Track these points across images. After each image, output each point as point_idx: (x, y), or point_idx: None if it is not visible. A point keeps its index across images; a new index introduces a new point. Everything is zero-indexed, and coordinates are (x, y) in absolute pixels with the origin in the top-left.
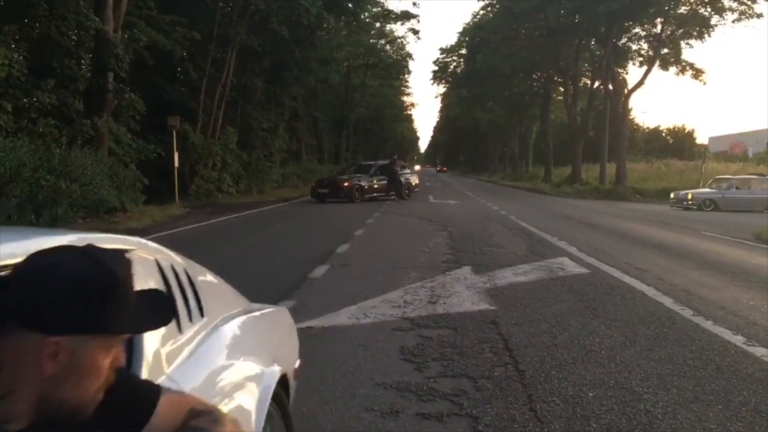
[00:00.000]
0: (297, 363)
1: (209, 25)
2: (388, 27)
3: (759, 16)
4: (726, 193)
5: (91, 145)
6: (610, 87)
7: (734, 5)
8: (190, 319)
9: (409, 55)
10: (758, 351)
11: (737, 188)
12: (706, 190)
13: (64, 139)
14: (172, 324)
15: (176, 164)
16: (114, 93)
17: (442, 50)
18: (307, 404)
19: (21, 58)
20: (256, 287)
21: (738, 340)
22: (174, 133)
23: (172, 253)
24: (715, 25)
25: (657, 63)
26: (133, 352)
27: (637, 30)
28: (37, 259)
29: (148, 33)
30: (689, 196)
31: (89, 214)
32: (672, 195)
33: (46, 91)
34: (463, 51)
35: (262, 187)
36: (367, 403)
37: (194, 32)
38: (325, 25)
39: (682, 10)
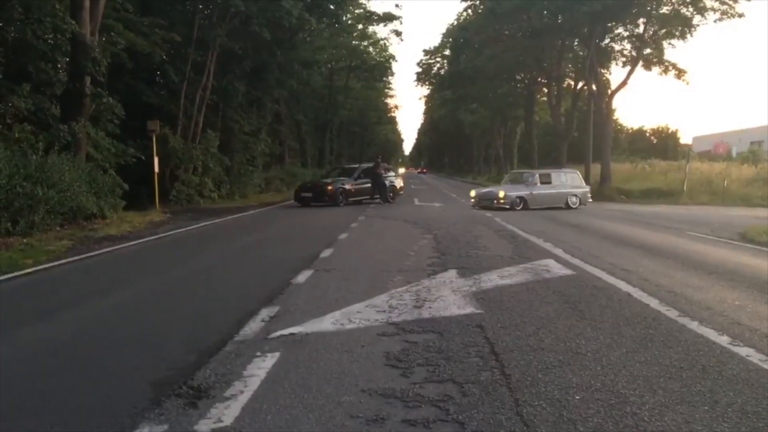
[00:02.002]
0: None
1: (189, 28)
2: (371, 29)
3: (740, 15)
4: (534, 189)
5: (69, 151)
6: (594, 87)
7: (716, 5)
8: None
9: (393, 57)
10: (743, 351)
11: (542, 183)
12: (515, 186)
13: (41, 144)
14: None
15: (156, 169)
16: (91, 97)
17: (426, 52)
18: (291, 412)
19: None
20: (239, 293)
21: (723, 340)
22: (154, 138)
23: None
24: (697, 25)
25: (640, 63)
26: None
27: (619, 30)
28: None
29: (126, 35)
30: (501, 195)
31: (67, 221)
32: (473, 193)
33: (22, 96)
34: (447, 52)
35: (245, 192)
36: (352, 410)
37: (173, 34)
38: (306, 27)
39: (665, 10)
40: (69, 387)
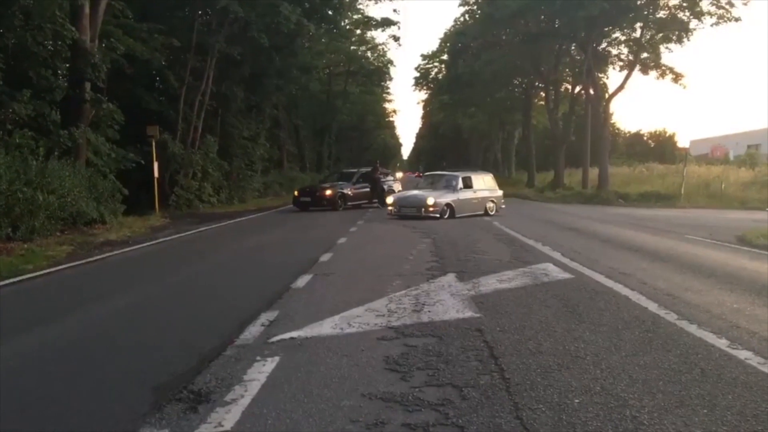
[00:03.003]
0: None
1: (188, 34)
2: (369, 34)
3: (737, 20)
4: (460, 194)
5: (69, 157)
6: (591, 92)
7: (712, 9)
8: None
9: (391, 62)
10: (742, 354)
11: (465, 187)
12: (438, 191)
13: (41, 150)
14: None
15: (156, 174)
16: (91, 103)
17: (424, 56)
18: (292, 416)
19: None
20: (239, 297)
21: (722, 343)
22: (153, 143)
23: None
24: (694, 29)
25: (637, 67)
26: None
27: (617, 35)
28: None
29: (126, 41)
30: (430, 202)
31: (67, 226)
32: (391, 200)
33: (22, 102)
34: (445, 57)
35: (244, 197)
36: (352, 415)
37: (173, 39)
38: (305, 33)
39: (661, 14)
40: (70, 392)
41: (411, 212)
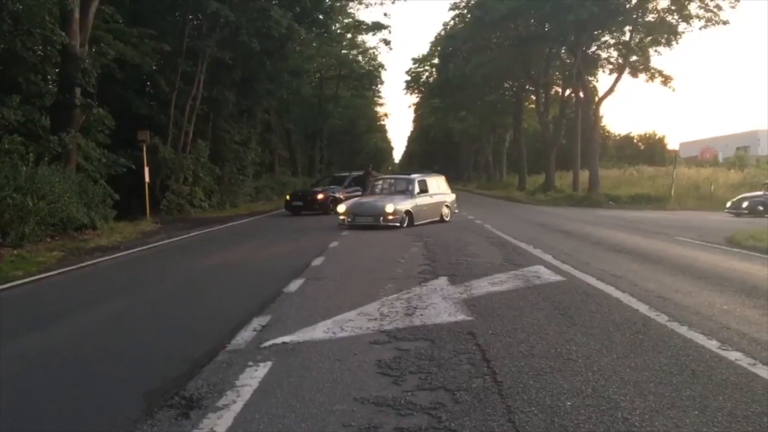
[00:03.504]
0: None
1: (178, 39)
2: (360, 38)
3: (725, 23)
4: (419, 200)
5: (59, 162)
6: (581, 95)
7: (701, 13)
8: None
9: (382, 66)
10: (732, 355)
11: (422, 192)
12: (393, 196)
13: (31, 156)
14: None
15: (147, 179)
16: (82, 108)
17: (415, 60)
18: (284, 422)
19: None
20: (230, 302)
21: (712, 344)
22: (144, 148)
23: None
24: (683, 33)
25: (626, 70)
26: None
27: (606, 38)
28: None
29: (116, 46)
30: (390, 209)
31: (58, 232)
32: (343, 208)
33: (12, 107)
34: (436, 60)
35: (235, 201)
36: (344, 419)
37: (163, 44)
38: (296, 37)
39: (650, 18)
40: (60, 399)
41: (367, 221)
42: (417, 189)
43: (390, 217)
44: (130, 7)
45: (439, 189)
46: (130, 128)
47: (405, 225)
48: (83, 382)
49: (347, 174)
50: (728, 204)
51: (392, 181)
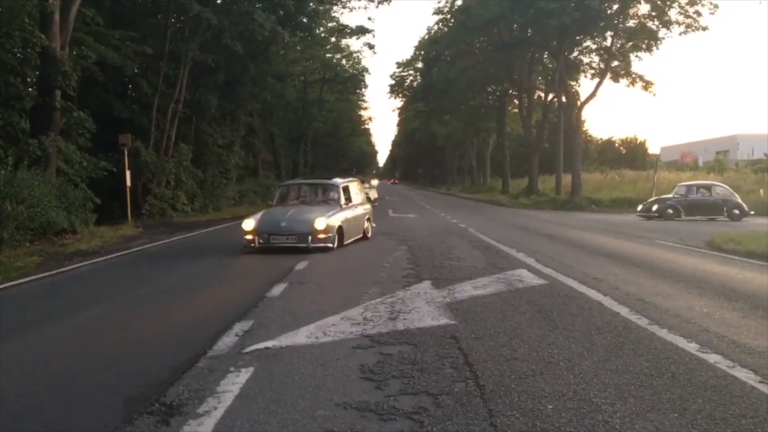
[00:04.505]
0: None
1: (160, 41)
2: (344, 41)
3: (704, 29)
4: (348, 212)
5: (39, 166)
6: (564, 99)
7: (681, 19)
8: None
9: (366, 70)
10: (712, 358)
11: (347, 201)
12: (314, 208)
13: (10, 159)
14: None
15: (128, 183)
16: (62, 111)
17: (399, 64)
18: (266, 427)
19: None
20: (212, 308)
21: (692, 347)
22: (125, 151)
23: None
24: (663, 38)
25: (608, 75)
26: None
27: (588, 43)
28: None
29: (97, 49)
30: (320, 225)
31: (37, 236)
32: (250, 225)
33: None
34: (420, 65)
35: (219, 205)
36: (327, 425)
37: (145, 46)
38: (279, 40)
39: (631, 23)
40: (38, 406)
41: (288, 242)
42: (343, 198)
43: (321, 236)
44: (111, 10)
45: (360, 198)
46: (112, 131)
47: (335, 245)
48: (61, 388)
49: None
50: (639, 207)
51: (308, 187)
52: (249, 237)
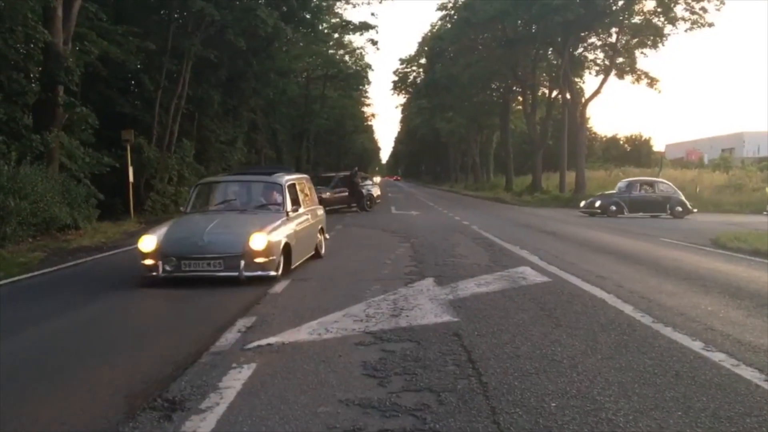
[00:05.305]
0: None
1: (163, 37)
2: (347, 38)
3: (710, 25)
4: (296, 222)
5: (41, 161)
6: (568, 96)
7: (686, 15)
8: None
9: (369, 66)
10: (716, 356)
11: (294, 204)
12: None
13: (13, 155)
14: None
15: (131, 179)
16: (64, 107)
17: (402, 60)
18: (267, 424)
19: None
20: (214, 303)
21: (696, 345)
22: (128, 147)
23: None
24: (669, 35)
25: (613, 72)
26: None
27: (593, 39)
28: None
29: (100, 44)
30: (258, 244)
31: (40, 232)
32: (150, 244)
33: None
34: (423, 61)
35: None
36: (329, 421)
37: (148, 42)
38: (282, 37)
39: (636, 19)
40: (41, 401)
41: (211, 270)
42: (290, 203)
43: (259, 260)
44: (114, 5)
45: (312, 200)
46: (114, 127)
47: (279, 272)
48: (63, 384)
49: (334, 174)
50: (582, 203)
51: (240, 187)
52: (148, 262)
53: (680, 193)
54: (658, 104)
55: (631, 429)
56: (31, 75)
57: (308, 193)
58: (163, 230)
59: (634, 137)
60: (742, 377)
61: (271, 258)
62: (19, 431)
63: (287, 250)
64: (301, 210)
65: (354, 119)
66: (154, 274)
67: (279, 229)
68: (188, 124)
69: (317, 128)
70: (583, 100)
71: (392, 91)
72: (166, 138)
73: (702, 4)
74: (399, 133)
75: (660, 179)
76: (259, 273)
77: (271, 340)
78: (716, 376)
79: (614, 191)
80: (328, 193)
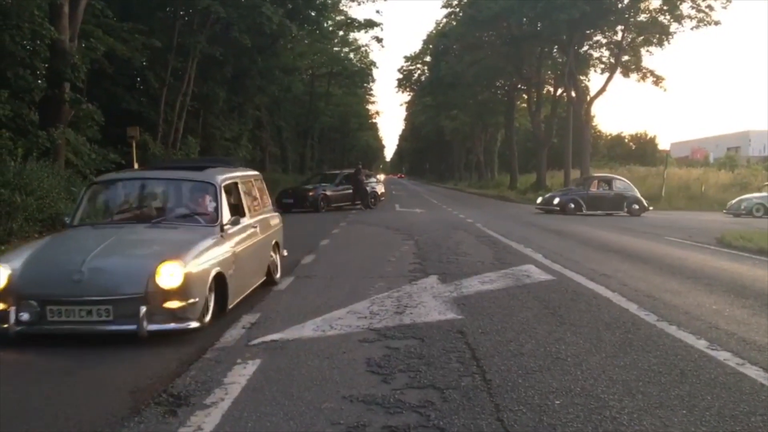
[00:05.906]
0: None
1: (169, 34)
2: (352, 35)
3: (716, 23)
4: (235, 240)
5: (48, 158)
6: (573, 94)
7: (692, 13)
8: None
9: (373, 63)
10: (721, 355)
11: (234, 211)
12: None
13: (20, 151)
14: None
15: None
16: (70, 103)
17: (407, 58)
18: (272, 419)
19: None
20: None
21: (701, 344)
22: (133, 144)
23: None
24: (674, 33)
25: (618, 70)
26: None
27: (598, 37)
28: None
29: (106, 41)
30: (171, 281)
31: (46, 228)
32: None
33: (0, 102)
34: (428, 59)
35: None
36: (333, 417)
37: (154, 39)
38: (287, 34)
39: (642, 17)
40: (46, 396)
41: (90, 320)
42: (226, 212)
43: (172, 304)
44: (120, 2)
45: (263, 204)
46: (120, 124)
47: (207, 319)
48: (68, 379)
49: (338, 172)
50: (539, 200)
51: (156, 186)
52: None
53: (636, 190)
54: (663, 103)
55: (635, 427)
56: (38, 72)
57: (258, 197)
58: (24, 255)
59: (639, 135)
60: (747, 376)
61: (190, 301)
62: (24, 428)
63: (220, 283)
64: (246, 221)
65: (358, 117)
66: (5, 326)
67: (207, 252)
68: (193, 121)
69: (322, 126)
70: (588, 98)
71: (397, 89)
72: (171, 135)
73: (708, 2)
74: (403, 130)
75: (617, 176)
76: (172, 326)
77: (276, 336)
78: (721, 375)
79: (572, 188)
80: (331, 191)
